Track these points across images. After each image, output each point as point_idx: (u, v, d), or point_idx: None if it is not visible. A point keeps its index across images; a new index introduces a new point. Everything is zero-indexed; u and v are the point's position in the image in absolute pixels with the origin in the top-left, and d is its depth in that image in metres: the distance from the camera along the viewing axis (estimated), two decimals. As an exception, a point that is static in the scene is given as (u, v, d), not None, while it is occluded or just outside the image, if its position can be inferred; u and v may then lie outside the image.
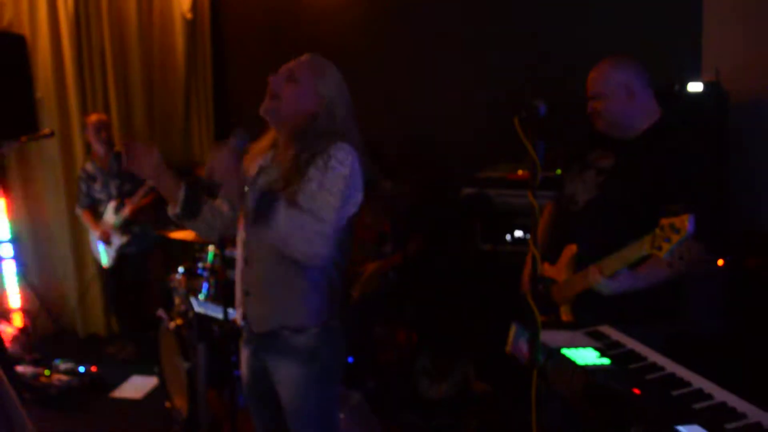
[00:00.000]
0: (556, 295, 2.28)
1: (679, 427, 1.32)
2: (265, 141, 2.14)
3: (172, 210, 2.08)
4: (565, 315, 2.23)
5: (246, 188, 1.99)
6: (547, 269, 2.43)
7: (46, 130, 4.25)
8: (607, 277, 2.02)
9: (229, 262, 3.57)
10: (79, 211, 4.64)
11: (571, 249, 2.25)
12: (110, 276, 4.70)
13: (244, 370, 2.21)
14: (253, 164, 2.12)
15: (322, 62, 2.05)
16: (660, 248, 1.78)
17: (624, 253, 1.97)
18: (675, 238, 1.74)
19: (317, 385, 2.04)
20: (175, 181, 2.03)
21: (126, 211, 4.44)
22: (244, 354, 2.19)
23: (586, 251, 2.18)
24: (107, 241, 4.53)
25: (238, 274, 2.14)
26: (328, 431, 2.12)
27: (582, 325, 1.94)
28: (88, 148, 4.77)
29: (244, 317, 2.13)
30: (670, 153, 2.14)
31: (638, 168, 2.18)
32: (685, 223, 1.71)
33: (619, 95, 2.21)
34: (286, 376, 2.04)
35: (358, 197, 1.97)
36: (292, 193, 1.87)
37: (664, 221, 1.77)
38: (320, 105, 1.98)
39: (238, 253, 2.14)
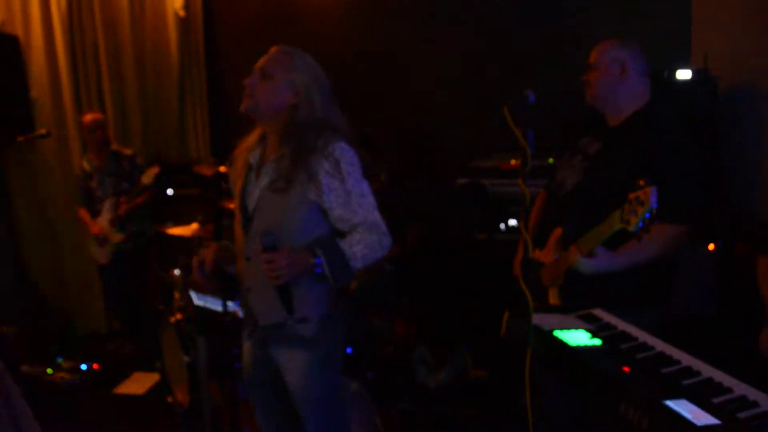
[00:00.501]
0: (545, 278, 2.33)
1: (668, 402, 1.36)
2: (252, 136, 2.21)
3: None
4: (553, 299, 2.27)
5: (242, 188, 2.13)
6: (537, 254, 2.48)
7: (42, 130, 4.28)
8: (584, 255, 2.08)
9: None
10: (78, 209, 4.69)
11: (558, 232, 2.29)
12: (108, 273, 4.73)
13: (246, 361, 2.26)
14: (241, 159, 2.20)
15: (291, 53, 2.09)
16: (628, 222, 1.85)
17: (598, 230, 2.03)
18: (640, 210, 1.80)
19: (322, 370, 2.12)
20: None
21: (120, 209, 4.47)
22: (246, 346, 2.24)
23: (570, 233, 2.23)
24: (102, 239, 4.56)
25: (240, 271, 2.19)
26: (336, 413, 2.20)
27: (570, 309, 1.99)
28: (85, 146, 4.79)
29: (248, 311, 2.19)
30: (653, 138, 2.19)
31: (621, 152, 2.23)
32: (648, 195, 1.77)
33: (612, 71, 2.28)
34: (292, 363, 2.11)
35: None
36: (341, 217, 2.01)
37: (631, 195, 1.84)
38: (297, 95, 2.04)
39: (238, 250, 2.19)
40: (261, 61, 2.09)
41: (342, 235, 2.04)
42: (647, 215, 1.79)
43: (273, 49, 2.11)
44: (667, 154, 2.15)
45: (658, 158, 2.14)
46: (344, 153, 2.00)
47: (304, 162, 1.98)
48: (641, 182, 1.82)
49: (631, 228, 1.83)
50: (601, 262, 2.09)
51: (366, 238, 2.00)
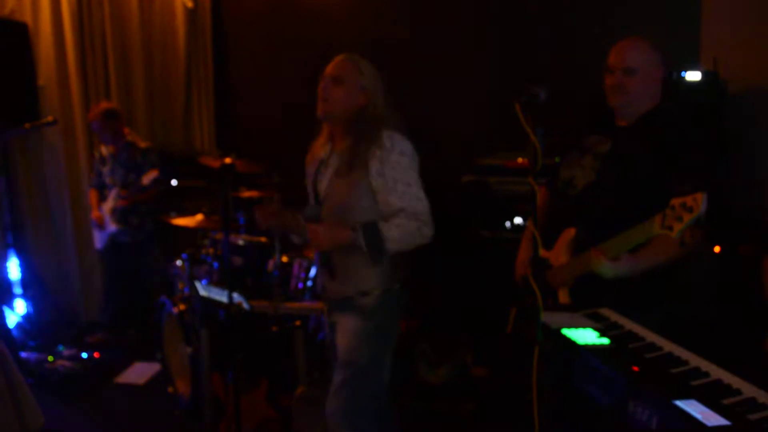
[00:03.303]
0: (552, 279, 2.30)
1: (677, 402, 1.36)
2: (321, 139, 2.47)
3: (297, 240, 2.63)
4: (563, 298, 2.26)
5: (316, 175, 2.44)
6: (544, 254, 2.46)
7: (49, 118, 4.26)
8: (610, 260, 2.02)
9: (235, 249, 3.61)
10: (88, 189, 4.77)
11: (570, 232, 2.28)
12: (106, 261, 4.77)
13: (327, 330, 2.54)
14: (314, 161, 2.47)
15: (357, 60, 2.36)
16: (671, 228, 1.77)
17: (629, 235, 1.97)
18: (687, 217, 1.73)
19: (373, 338, 2.33)
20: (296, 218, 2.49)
21: (117, 203, 4.48)
22: (326, 315, 2.52)
23: (585, 234, 2.21)
24: (100, 226, 4.60)
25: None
26: (374, 388, 2.37)
27: (580, 308, 1.97)
28: (91, 135, 4.80)
29: (323, 287, 2.48)
30: (667, 138, 2.15)
31: (634, 152, 2.19)
32: (699, 201, 1.71)
33: (651, 74, 2.22)
34: (346, 326, 2.36)
35: (418, 169, 2.30)
36: (386, 201, 2.23)
37: (675, 201, 1.76)
38: (366, 98, 2.32)
39: None
40: (330, 69, 2.34)
41: (387, 218, 2.22)
42: (694, 222, 1.73)
43: (339, 58, 2.36)
44: (681, 156, 2.10)
45: (673, 159, 2.09)
46: (396, 143, 2.23)
47: (362, 150, 2.24)
48: (685, 187, 1.77)
49: (674, 235, 1.77)
50: (624, 267, 2.02)
51: (405, 224, 2.18)
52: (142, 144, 4.58)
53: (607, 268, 2.03)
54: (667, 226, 1.79)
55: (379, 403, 2.40)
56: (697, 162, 2.10)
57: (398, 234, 2.18)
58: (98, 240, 4.68)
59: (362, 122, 2.29)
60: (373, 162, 2.22)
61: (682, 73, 3.42)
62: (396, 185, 2.21)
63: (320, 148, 2.46)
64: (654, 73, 2.22)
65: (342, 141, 2.36)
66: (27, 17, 4.70)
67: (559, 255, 2.32)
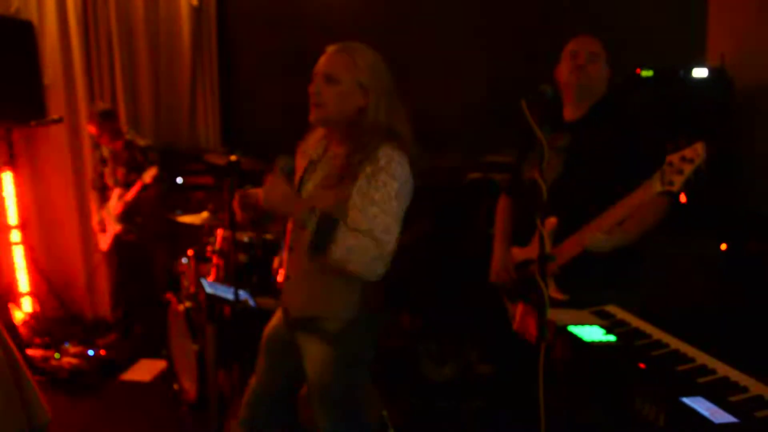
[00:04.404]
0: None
1: (684, 399, 1.35)
2: (317, 133, 2.18)
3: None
4: (553, 291, 2.26)
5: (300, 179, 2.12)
6: (517, 253, 2.50)
7: (55, 116, 4.29)
8: (605, 233, 2.08)
9: (240, 246, 3.61)
10: (91, 192, 4.79)
11: (551, 222, 2.27)
12: (111, 261, 4.80)
13: (271, 326, 2.28)
14: (305, 156, 2.18)
15: (354, 50, 2.00)
16: (672, 183, 1.84)
17: (629, 201, 2.03)
18: (688, 168, 1.79)
19: (344, 368, 2.08)
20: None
21: (118, 208, 4.49)
22: (278, 316, 2.26)
23: (567, 223, 2.22)
24: (101, 229, 4.63)
25: (284, 259, 2.22)
26: (348, 416, 2.15)
27: (574, 299, 1.99)
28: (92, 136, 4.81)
29: (284, 298, 2.21)
30: (622, 124, 2.29)
31: (595, 140, 2.29)
32: (699, 150, 1.77)
33: (606, 66, 2.39)
34: (314, 354, 2.09)
35: (408, 201, 1.99)
36: (354, 218, 1.90)
37: (672, 157, 1.83)
38: (365, 97, 1.97)
39: (286, 238, 2.22)
40: (321, 65, 2.00)
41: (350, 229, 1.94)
42: (694, 172, 1.79)
43: (331, 49, 2.02)
44: (648, 134, 2.23)
45: (642, 140, 2.21)
46: (391, 164, 1.91)
47: (355, 164, 1.93)
48: (680, 142, 1.82)
49: (676, 189, 1.83)
50: (618, 237, 2.10)
51: (365, 244, 1.86)
52: (142, 142, 4.56)
53: (603, 241, 2.09)
54: (668, 181, 1.85)
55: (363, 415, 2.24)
56: (655, 143, 2.16)
57: (352, 244, 1.85)
58: (102, 242, 4.70)
59: (360, 130, 1.97)
60: (362, 177, 1.91)
61: (689, 70, 3.41)
62: (371, 207, 1.88)
63: (314, 144, 2.18)
64: (607, 69, 2.39)
65: (337, 146, 2.06)
66: (32, 16, 4.72)
67: (535, 250, 2.33)
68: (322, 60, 2.01)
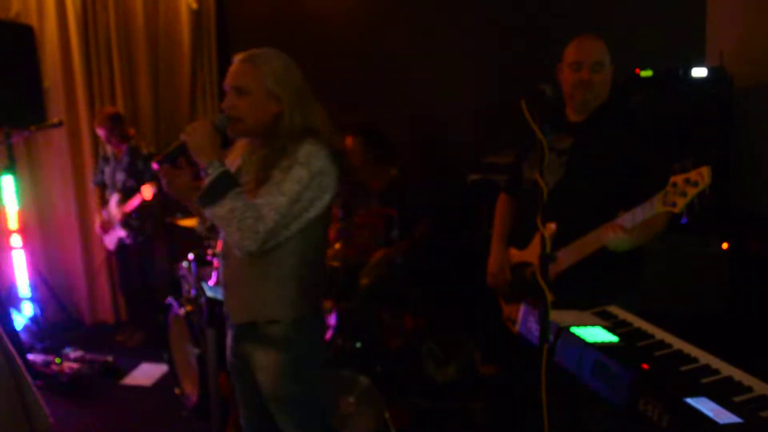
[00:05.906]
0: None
1: (688, 400, 1.34)
2: (240, 143, 2.16)
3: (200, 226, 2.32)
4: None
5: None
6: (514, 254, 2.48)
7: (55, 120, 4.28)
8: (627, 232, 2.05)
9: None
10: (93, 187, 4.85)
11: (550, 227, 2.26)
12: (115, 261, 4.82)
13: (228, 352, 2.26)
14: (233, 165, 2.13)
15: (258, 58, 1.99)
16: (674, 204, 1.83)
17: (641, 211, 2.01)
18: (692, 191, 1.79)
19: (292, 373, 2.08)
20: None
21: (119, 218, 4.49)
22: (230, 336, 2.24)
23: (568, 226, 2.21)
24: (105, 231, 4.66)
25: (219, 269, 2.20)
26: (309, 419, 2.16)
27: (562, 303, 1.99)
28: (96, 138, 4.81)
29: (225, 310, 2.21)
30: (632, 125, 2.27)
31: (598, 143, 2.27)
32: (705, 175, 1.77)
33: (610, 69, 2.33)
34: (263, 362, 2.09)
35: (326, 198, 1.99)
36: (257, 195, 1.92)
37: (677, 178, 1.82)
38: (279, 103, 1.96)
39: (219, 248, 2.22)
40: (229, 78, 1.99)
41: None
42: (702, 194, 1.78)
43: (237, 59, 2.01)
44: (654, 148, 2.20)
45: (648, 155, 2.18)
46: (308, 157, 1.92)
47: (273, 164, 1.95)
48: (686, 164, 1.81)
49: (677, 210, 1.83)
50: (634, 238, 2.07)
51: (246, 213, 1.85)
52: (145, 150, 4.57)
53: (625, 240, 2.06)
54: (669, 203, 1.85)
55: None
56: (659, 148, 2.20)
57: (236, 207, 1.84)
58: (109, 242, 4.71)
59: (279, 135, 1.96)
60: (279, 170, 1.93)
61: (689, 69, 3.40)
62: (273, 188, 1.90)
63: (240, 151, 2.14)
64: (611, 68, 2.33)
65: (259, 151, 2.05)
66: (32, 20, 4.72)
67: (534, 253, 2.32)
68: (230, 72, 2.01)
